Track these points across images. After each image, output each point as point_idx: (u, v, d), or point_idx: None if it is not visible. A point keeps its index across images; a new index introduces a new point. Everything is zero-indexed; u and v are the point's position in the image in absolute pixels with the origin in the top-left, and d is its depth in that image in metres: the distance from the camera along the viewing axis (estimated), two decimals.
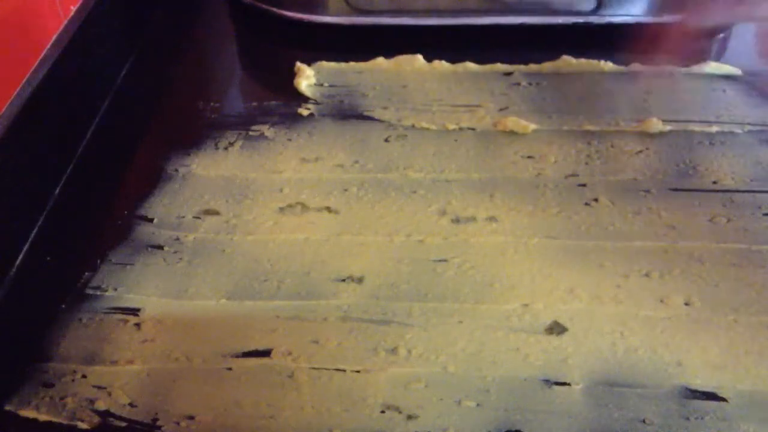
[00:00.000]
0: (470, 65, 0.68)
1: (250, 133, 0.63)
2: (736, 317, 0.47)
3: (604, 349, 0.46)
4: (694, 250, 0.51)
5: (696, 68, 0.67)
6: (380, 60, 0.68)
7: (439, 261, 0.51)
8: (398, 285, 0.50)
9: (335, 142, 0.61)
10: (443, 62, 0.67)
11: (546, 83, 0.66)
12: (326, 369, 0.45)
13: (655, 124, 0.60)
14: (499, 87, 0.66)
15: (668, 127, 0.61)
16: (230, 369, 0.46)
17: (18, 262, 0.53)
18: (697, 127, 0.61)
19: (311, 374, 0.45)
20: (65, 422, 0.43)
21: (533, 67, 0.67)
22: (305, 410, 0.43)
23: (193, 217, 0.55)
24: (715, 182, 0.56)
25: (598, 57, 0.68)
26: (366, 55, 0.70)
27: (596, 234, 0.53)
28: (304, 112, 0.63)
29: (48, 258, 0.53)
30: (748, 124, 0.61)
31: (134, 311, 0.49)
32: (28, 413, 0.44)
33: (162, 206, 0.56)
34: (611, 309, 0.48)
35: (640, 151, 0.59)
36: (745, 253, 0.51)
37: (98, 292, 0.50)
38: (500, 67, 0.67)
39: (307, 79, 0.66)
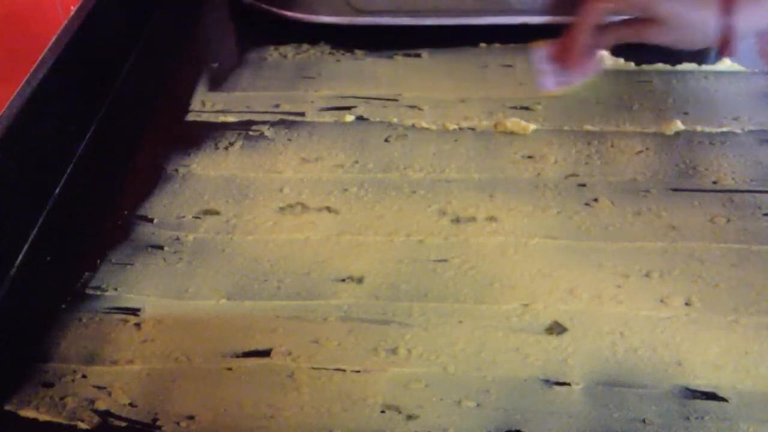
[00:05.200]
0: (471, 64, 0.68)
1: (250, 133, 0.63)
2: (736, 317, 0.47)
3: (604, 349, 0.46)
4: (694, 250, 0.51)
5: (697, 67, 0.67)
6: None
7: (439, 261, 0.51)
8: (398, 285, 0.50)
9: (335, 142, 0.61)
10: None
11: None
12: (326, 369, 0.45)
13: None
14: (500, 87, 0.66)
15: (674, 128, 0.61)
16: (230, 369, 0.46)
17: (18, 262, 0.53)
18: (697, 127, 0.61)
19: (311, 374, 0.45)
20: (65, 422, 0.43)
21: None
22: (305, 410, 0.43)
23: (193, 217, 0.55)
24: (715, 182, 0.56)
25: None
26: (366, 54, 0.70)
27: (596, 234, 0.53)
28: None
29: (48, 258, 0.53)
30: (748, 124, 0.61)
31: (134, 311, 0.49)
32: (28, 413, 0.44)
33: (162, 206, 0.56)
34: (611, 309, 0.48)
35: (640, 151, 0.59)
36: (745, 253, 0.51)
37: (98, 292, 0.50)
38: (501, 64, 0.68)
39: None
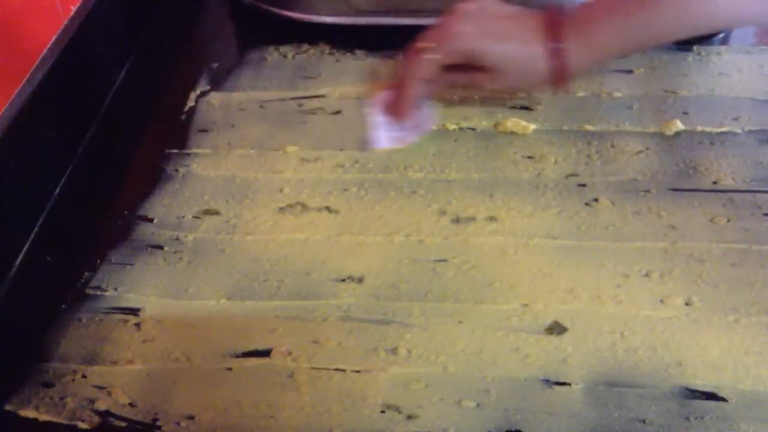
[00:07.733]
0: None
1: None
2: (736, 317, 0.47)
3: (604, 349, 0.46)
4: (694, 250, 0.51)
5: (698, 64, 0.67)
6: None
7: (439, 261, 0.51)
8: (398, 285, 0.50)
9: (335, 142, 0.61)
10: None
11: None
12: (326, 369, 0.45)
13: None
14: None
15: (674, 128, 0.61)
16: (230, 369, 0.46)
17: (18, 262, 0.53)
18: (697, 127, 0.61)
19: (311, 374, 0.45)
20: (65, 422, 0.43)
21: None
22: (305, 410, 0.43)
23: (193, 217, 0.55)
24: (715, 182, 0.56)
25: None
26: (366, 54, 0.70)
27: (596, 234, 0.53)
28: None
29: (48, 258, 0.53)
30: (748, 124, 0.61)
31: (134, 311, 0.49)
32: (28, 413, 0.44)
33: (162, 206, 0.56)
34: (611, 309, 0.48)
35: (640, 151, 0.59)
36: (745, 253, 0.51)
37: (98, 292, 0.50)
38: None
39: None
